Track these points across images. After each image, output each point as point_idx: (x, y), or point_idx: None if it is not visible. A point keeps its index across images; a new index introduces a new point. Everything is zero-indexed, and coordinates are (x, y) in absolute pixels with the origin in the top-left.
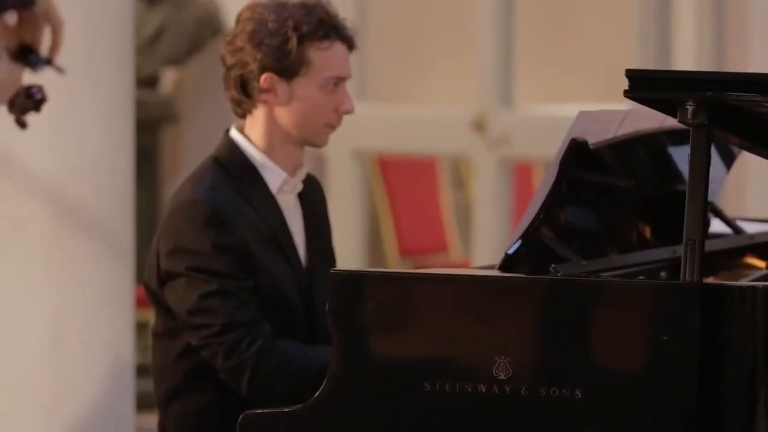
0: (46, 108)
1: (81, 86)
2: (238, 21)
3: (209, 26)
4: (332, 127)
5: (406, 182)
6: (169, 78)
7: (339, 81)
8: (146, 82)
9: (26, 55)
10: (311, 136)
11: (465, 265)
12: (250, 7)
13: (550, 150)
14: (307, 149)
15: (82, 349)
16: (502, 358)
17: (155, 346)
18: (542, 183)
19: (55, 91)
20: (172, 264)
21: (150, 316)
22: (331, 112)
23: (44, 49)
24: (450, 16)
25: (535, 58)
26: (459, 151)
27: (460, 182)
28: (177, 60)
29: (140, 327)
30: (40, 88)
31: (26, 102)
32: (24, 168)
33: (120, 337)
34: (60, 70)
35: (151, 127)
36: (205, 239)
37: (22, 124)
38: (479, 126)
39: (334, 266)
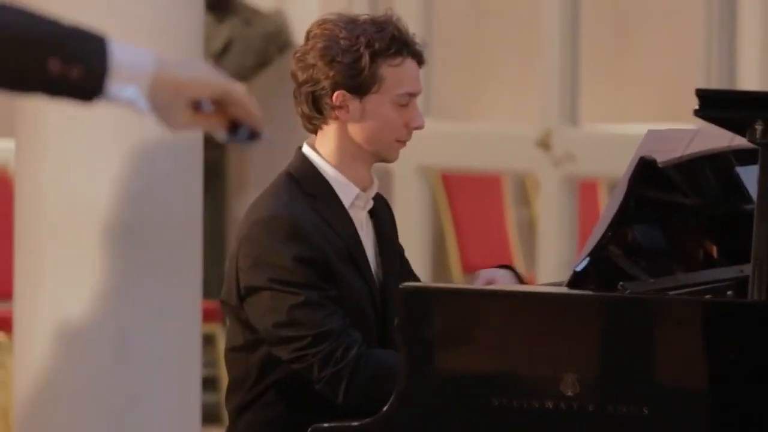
0: (115, 122)
1: None
2: (308, 37)
3: (276, 42)
4: (403, 142)
5: (470, 199)
6: None
7: (410, 97)
8: None
9: (235, 132)
10: (382, 151)
11: (529, 283)
12: (321, 24)
13: (614, 168)
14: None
15: (149, 360)
16: (570, 374)
17: (231, 359)
18: (610, 201)
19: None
20: (254, 278)
21: (214, 329)
22: (402, 128)
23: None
24: (515, 34)
25: (601, 75)
26: (524, 168)
27: (524, 199)
28: (244, 75)
29: (204, 340)
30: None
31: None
32: (94, 180)
33: (187, 350)
34: (269, 139)
35: (218, 142)
36: (287, 252)
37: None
38: (544, 143)
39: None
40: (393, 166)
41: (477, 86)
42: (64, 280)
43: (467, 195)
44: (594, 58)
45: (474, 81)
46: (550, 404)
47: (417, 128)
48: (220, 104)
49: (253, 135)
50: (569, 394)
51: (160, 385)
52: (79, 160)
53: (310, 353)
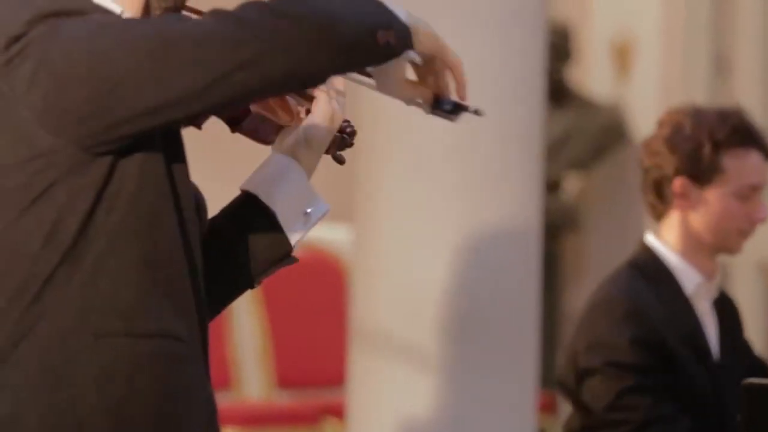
0: (453, 207)
1: (489, 186)
2: (658, 126)
3: (614, 134)
4: (745, 235)
5: None
6: (571, 183)
7: (754, 189)
8: (549, 186)
9: (439, 105)
10: (723, 242)
11: None
12: (670, 113)
13: None
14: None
15: None
16: None
17: None
18: None
19: (464, 188)
20: (590, 360)
21: (544, 421)
22: (744, 220)
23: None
24: None
25: None
26: None
27: None
28: (582, 164)
29: None
30: (349, 123)
31: (343, 138)
32: (430, 268)
33: None
34: (477, 112)
35: (550, 232)
36: (623, 333)
37: (339, 160)
38: None
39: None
40: (731, 261)
41: None
42: (398, 369)
43: None
44: None
45: None
46: None
47: (760, 221)
48: (424, 74)
49: (458, 107)
50: None
51: None
52: (416, 248)
53: None
